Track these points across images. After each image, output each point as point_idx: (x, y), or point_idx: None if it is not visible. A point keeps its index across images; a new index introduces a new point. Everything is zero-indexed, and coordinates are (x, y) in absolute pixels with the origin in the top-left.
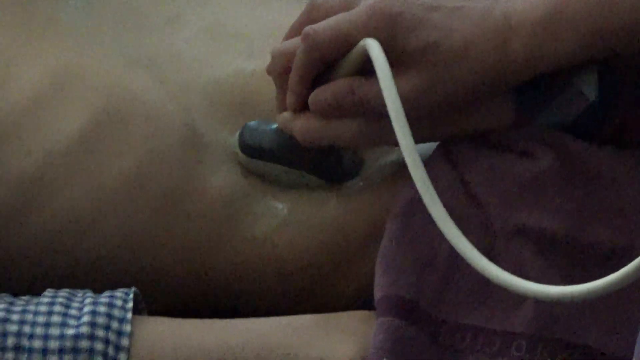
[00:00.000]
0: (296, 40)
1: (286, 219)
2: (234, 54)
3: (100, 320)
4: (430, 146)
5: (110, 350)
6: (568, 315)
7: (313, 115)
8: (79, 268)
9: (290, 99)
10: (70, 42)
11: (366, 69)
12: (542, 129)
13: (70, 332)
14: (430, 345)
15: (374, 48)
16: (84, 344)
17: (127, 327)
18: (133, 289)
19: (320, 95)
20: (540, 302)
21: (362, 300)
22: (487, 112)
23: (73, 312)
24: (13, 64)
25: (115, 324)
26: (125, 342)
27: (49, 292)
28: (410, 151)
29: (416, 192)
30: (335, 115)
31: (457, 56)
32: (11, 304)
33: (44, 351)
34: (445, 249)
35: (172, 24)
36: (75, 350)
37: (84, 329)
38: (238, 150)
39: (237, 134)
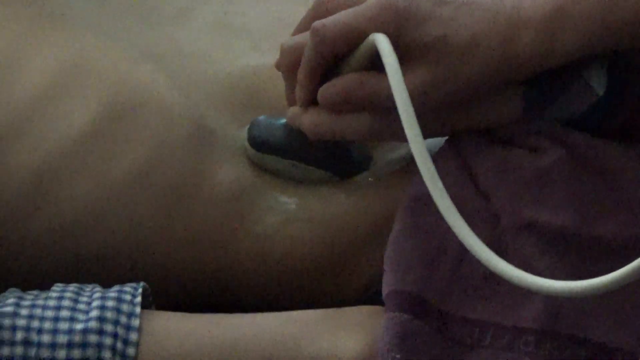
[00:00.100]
0: (305, 35)
1: (294, 214)
2: (242, 49)
3: (109, 314)
4: (438, 141)
5: (119, 345)
6: (576, 310)
7: (322, 110)
8: (87, 262)
9: (299, 93)
10: (79, 36)
11: (375, 63)
12: (550, 124)
13: (79, 326)
14: (438, 340)
15: (382, 42)
16: (93, 338)
17: (136, 322)
18: (142, 283)
19: (329, 89)
20: (549, 297)
21: (370, 295)
22: (495, 107)
23: (81, 306)
24: (22, 58)
25: (123, 319)
26: (133, 336)
27: (57, 287)
28: (418, 146)
29: (424, 187)
30: (344, 110)
31: (466, 51)
32: (20, 298)
33: (53, 345)
34: (453, 244)
35: (180, 19)
36: (83, 345)
37: (93, 324)
38: (247, 145)
39: (246, 128)
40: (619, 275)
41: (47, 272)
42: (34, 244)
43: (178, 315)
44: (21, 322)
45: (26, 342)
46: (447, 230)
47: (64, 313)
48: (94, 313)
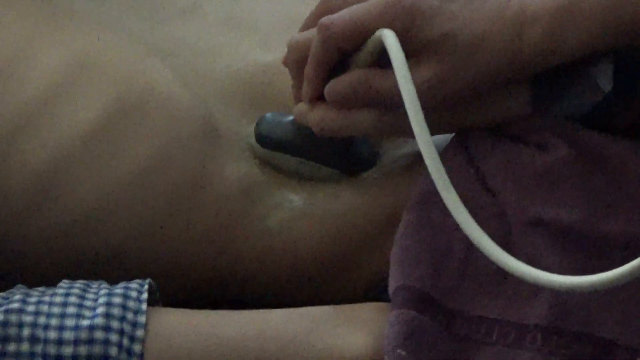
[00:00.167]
0: (313, 31)
1: (301, 211)
2: (249, 46)
3: (115, 311)
4: (445, 138)
5: (125, 341)
6: (583, 307)
7: (329, 106)
8: (94, 259)
9: (306, 90)
10: (86, 33)
11: (382, 60)
12: (557, 121)
13: (85, 323)
14: (444, 337)
15: (389, 38)
16: (99, 335)
17: (142, 319)
18: (148, 280)
19: (336, 85)
20: (555, 294)
21: (377, 292)
22: (503, 103)
23: (88, 303)
24: (29, 55)
25: (130, 315)
26: (140, 333)
27: (64, 283)
28: (426, 142)
29: (431, 183)
30: (351, 106)
31: (473, 47)
32: (27, 295)
33: (59, 342)
34: (460, 241)
35: (188, 15)
36: (90, 341)
37: (99, 320)
38: (254, 142)
39: (254, 125)
40: (625, 270)
41: (54, 269)
42: (40, 241)
43: (184, 312)
44: (28, 319)
45: (32, 339)
46: (454, 227)
47: (71, 310)
48: (101, 310)
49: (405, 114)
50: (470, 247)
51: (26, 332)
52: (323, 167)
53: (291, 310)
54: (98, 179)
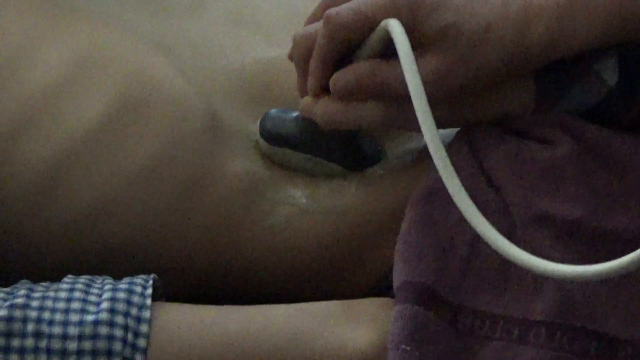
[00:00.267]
0: (318, 25)
1: (305, 207)
2: (254, 42)
3: (120, 306)
4: (449, 133)
5: (129, 337)
6: (587, 302)
7: (334, 99)
8: (98, 254)
9: (311, 83)
10: (92, 28)
11: (388, 53)
12: (561, 116)
13: (90, 318)
14: (449, 332)
15: (395, 27)
16: (103, 330)
17: (146, 314)
18: (152, 275)
19: (342, 77)
20: (559, 290)
21: (381, 287)
22: (507, 97)
23: (92, 298)
24: (35, 50)
25: (134, 311)
26: (144, 328)
27: (68, 279)
28: (431, 130)
29: (436, 179)
30: (357, 98)
31: (478, 38)
32: (31, 290)
33: (64, 337)
34: (464, 236)
35: (193, 11)
36: (94, 337)
37: (103, 315)
38: (259, 138)
39: (258, 121)
40: (630, 258)
41: (58, 265)
42: (44, 236)
43: (188, 307)
44: (32, 314)
45: (37, 334)
46: (459, 223)
47: (75, 305)
48: (105, 305)
49: (410, 105)
50: (474, 242)
51: (30, 327)
52: (327, 163)
53: (295, 305)
54: (102, 175)
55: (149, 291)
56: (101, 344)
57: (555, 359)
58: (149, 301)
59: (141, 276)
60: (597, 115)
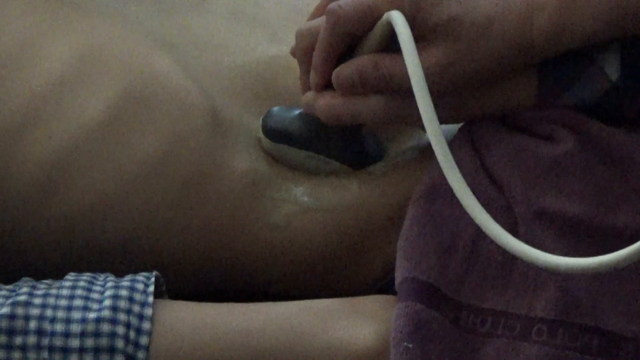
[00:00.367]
0: (320, 20)
1: (307, 204)
2: (258, 39)
3: (122, 304)
4: (451, 130)
5: (132, 334)
6: (589, 299)
7: (336, 93)
8: (101, 251)
9: (313, 78)
10: (94, 25)
11: (390, 47)
12: (564, 112)
13: (92, 315)
14: (451, 329)
15: (397, 18)
16: (106, 327)
17: (149, 311)
18: (154, 272)
19: (344, 71)
20: (561, 287)
21: (383, 285)
22: (510, 91)
23: (95, 295)
24: (38, 46)
25: (136, 308)
26: (146, 325)
27: (71, 276)
28: (433, 123)
29: (438, 176)
30: (359, 92)
31: (481, 31)
32: (33, 287)
33: (66, 334)
34: (467, 233)
35: (195, 8)
36: (96, 334)
37: (106, 313)
38: (261, 135)
39: (261, 119)
40: (632, 250)
41: (61, 261)
42: (47, 232)
43: (191, 305)
44: (34, 311)
45: (39, 331)
46: (461, 220)
47: (77, 302)
48: (107, 302)
49: (413, 100)
50: (476, 239)
51: (33, 324)
52: (330, 161)
53: (297, 302)
54: (104, 172)
55: (151, 288)
56: (103, 342)
57: (557, 356)
58: (151, 299)
59: (143, 273)
60: (600, 111)
